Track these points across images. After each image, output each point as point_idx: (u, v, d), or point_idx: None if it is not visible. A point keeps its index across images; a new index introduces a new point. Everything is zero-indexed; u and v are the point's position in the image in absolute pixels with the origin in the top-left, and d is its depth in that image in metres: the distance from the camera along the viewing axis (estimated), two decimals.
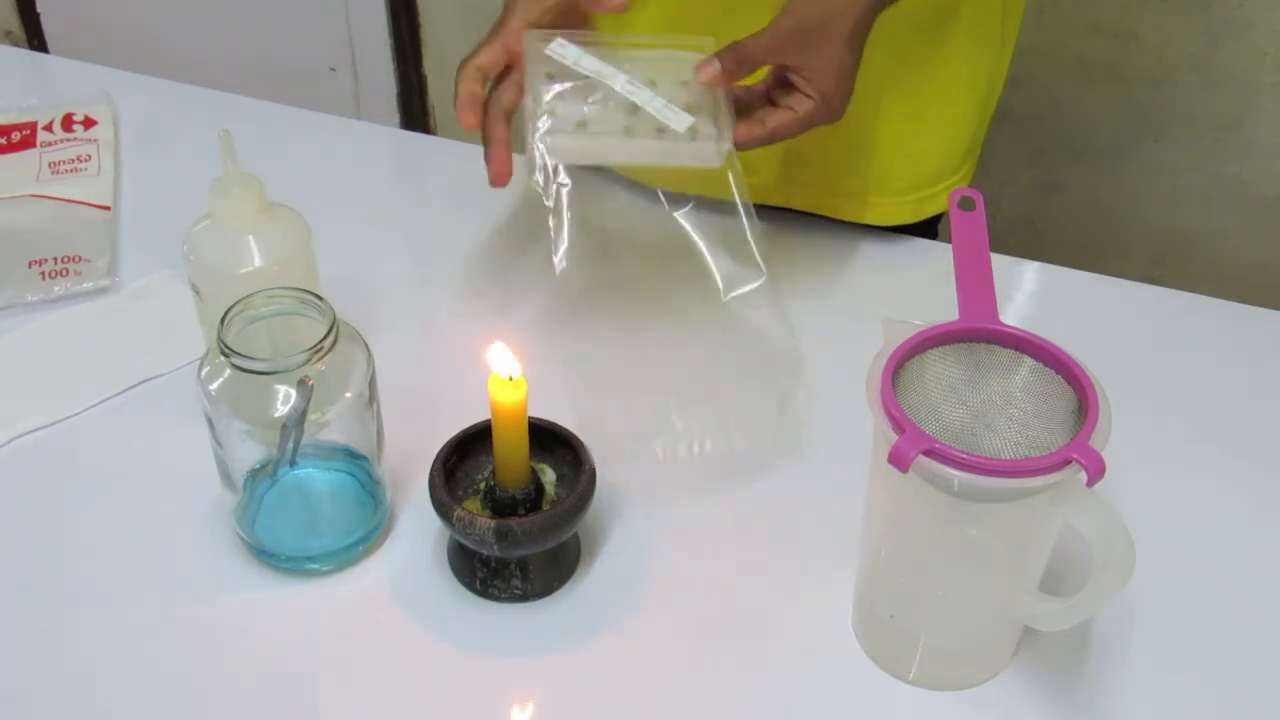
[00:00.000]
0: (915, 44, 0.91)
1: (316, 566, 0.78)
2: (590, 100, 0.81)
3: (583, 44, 0.82)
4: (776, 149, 0.87)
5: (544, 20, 0.84)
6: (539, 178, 0.79)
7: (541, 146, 0.79)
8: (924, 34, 0.91)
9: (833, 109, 0.82)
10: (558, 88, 0.81)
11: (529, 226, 1.05)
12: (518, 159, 0.84)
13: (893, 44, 0.90)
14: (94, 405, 0.89)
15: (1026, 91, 1.70)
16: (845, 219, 1.05)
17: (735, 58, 0.81)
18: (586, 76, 0.81)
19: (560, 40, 0.82)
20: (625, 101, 0.81)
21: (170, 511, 0.82)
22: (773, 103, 0.84)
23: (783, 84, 0.83)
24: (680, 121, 0.80)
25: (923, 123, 1.02)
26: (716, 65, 0.81)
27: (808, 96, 0.81)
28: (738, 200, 0.81)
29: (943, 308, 0.70)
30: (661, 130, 0.80)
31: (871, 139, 0.99)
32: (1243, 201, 1.72)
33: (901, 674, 0.74)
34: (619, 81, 0.81)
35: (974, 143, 1.07)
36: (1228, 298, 1.00)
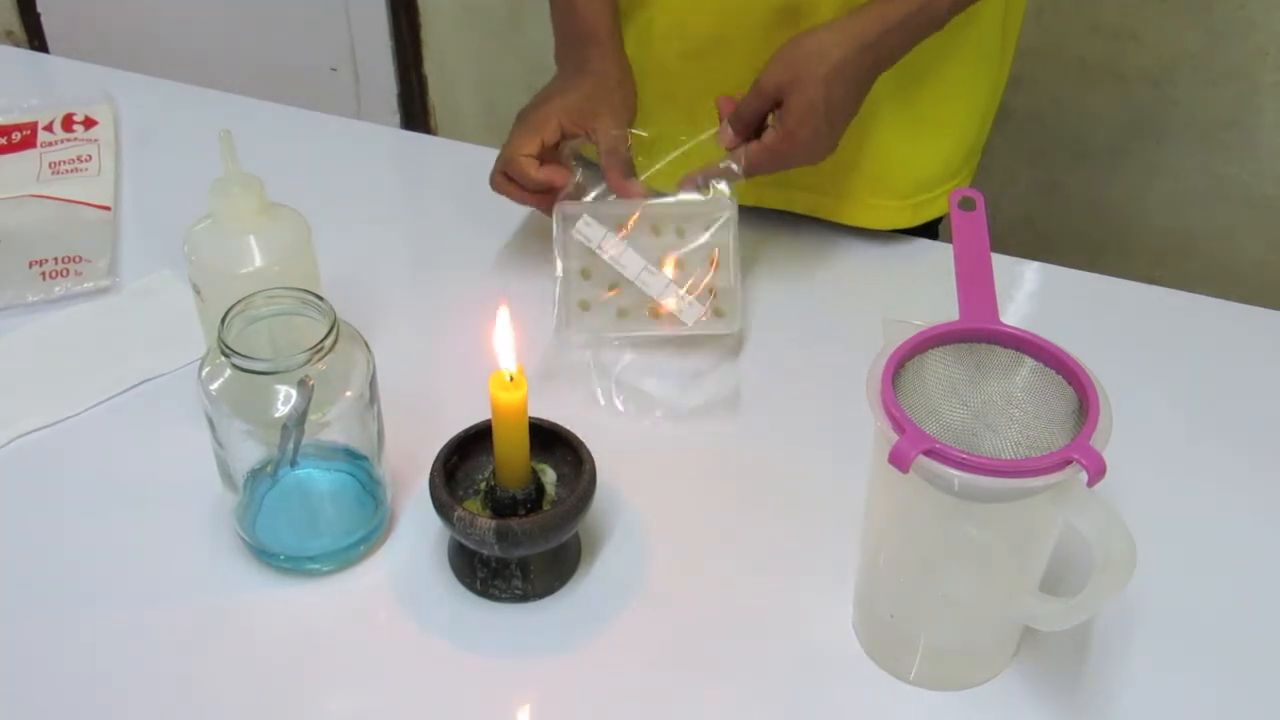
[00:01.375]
0: (917, 51, 0.91)
1: (317, 566, 0.78)
2: (611, 295, 0.92)
3: (608, 216, 0.92)
4: None
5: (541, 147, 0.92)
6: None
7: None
8: (926, 42, 0.91)
9: (797, 142, 0.89)
10: (581, 277, 0.92)
11: (529, 225, 1.05)
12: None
13: None
14: (94, 405, 0.89)
15: (1026, 91, 1.70)
16: (845, 222, 1.05)
17: (739, 120, 0.91)
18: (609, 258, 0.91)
19: (586, 219, 0.91)
20: (641, 292, 0.91)
21: (171, 512, 0.82)
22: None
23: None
24: (690, 314, 0.90)
25: (924, 128, 1.02)
26: (730, 131, 0.91)
27: (774, 129, 0.90)
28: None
29: (943, 308, 0.70)
30: (675, 318, 0.91)
31: (872, 144, 0.99)
32: (1243, 201, 1.72)
33: (901, 674, 0.74)
34: (635, 269, 0.91)
35: (975, 147, 1.07)
36: (1228, 298, 1.00)
